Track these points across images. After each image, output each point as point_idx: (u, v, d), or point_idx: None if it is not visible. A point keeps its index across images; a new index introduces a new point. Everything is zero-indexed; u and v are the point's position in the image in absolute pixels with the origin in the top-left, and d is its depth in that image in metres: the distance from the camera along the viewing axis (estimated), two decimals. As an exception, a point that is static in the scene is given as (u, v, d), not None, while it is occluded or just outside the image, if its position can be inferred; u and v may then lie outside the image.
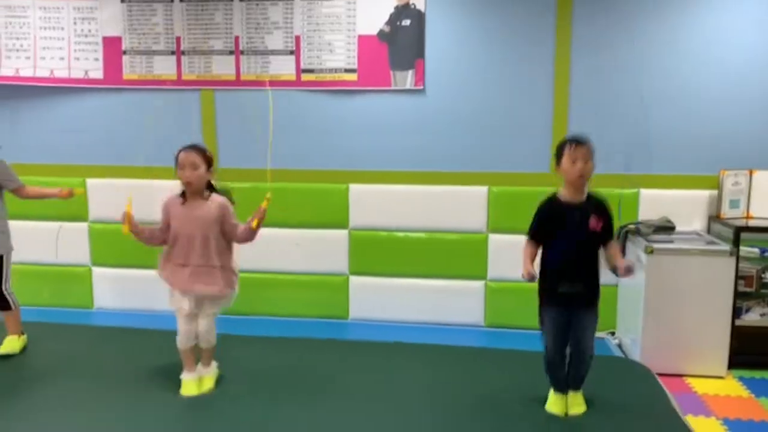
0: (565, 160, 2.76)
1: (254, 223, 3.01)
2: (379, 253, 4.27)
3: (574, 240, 2.80)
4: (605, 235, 2.83)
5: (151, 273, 4.38)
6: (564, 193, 2.83)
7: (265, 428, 2.80)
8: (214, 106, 4.34)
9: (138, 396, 3.08)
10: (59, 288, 4.48)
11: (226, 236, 3.09)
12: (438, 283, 4.24)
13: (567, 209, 2.80)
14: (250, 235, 3.07)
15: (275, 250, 4.27)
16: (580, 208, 2.80)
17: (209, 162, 3.05)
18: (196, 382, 3.12)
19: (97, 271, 4.53)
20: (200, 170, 3.00)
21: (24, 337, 3.64)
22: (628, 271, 2.79)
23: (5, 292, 3.52)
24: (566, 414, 2.88)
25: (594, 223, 2.79)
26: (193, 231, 3.03)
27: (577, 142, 2.76)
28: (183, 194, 3.09)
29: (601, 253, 2.87)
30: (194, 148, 3.05)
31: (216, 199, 3.09)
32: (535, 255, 2.89)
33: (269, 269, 4.32)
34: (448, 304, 4.23)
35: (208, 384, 3.16)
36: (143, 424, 2.83)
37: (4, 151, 3.55)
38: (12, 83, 4.45)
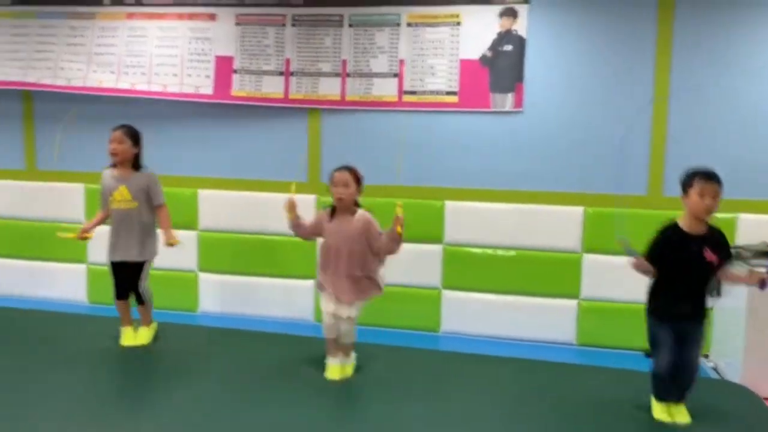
0: (694, 192, 2.88)
1: (398, 228, 3.26)
2: (472, 269, 4.41)
3: (690, 268, 2.95)
4: (721, 266, 2.98)
5: (254, 279, 4.69)
6: (684, 223, 2.96)
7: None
8: (320, 124, 4.60)
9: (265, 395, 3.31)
10: (165, 291, 4.71)
11: (373, 249, 3.41)
12: (530, 300, 4.35)
13: (687, 239, 2.94)
14: (395, 242, 3.34)
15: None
16: (699, 239, 2.94)
17: (358, 181, 3.40)
18: (339, 367, 3.48)
19: (203, 276, 4.80)
20: (351, 188, 3.37)
21: (154, 325, 4.05)
22: (763, 283, 2.92)
23: (141, 290, 3.90)
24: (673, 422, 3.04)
25: (710, 255, 2.93)
26: (340, 244, 3.39)
27: (709, 177, 2.88)
28: (332, 210, 3.45)
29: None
30: (347, 168, 3.41)
31: (362, 215, 3.42)
32: (651, 270, 3.03)
33: (366, 280, 4.50)
34: (540, 321, 4.33)
35: (349, 371, 3.53)
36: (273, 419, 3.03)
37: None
38: (127, 96, 4.75)
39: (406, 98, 4.45)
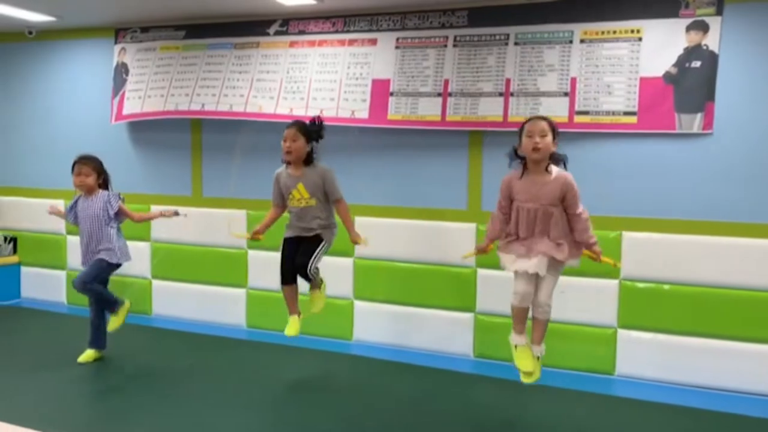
0: None
1: (608, 260, 3.22)
2: (652, 307, 3.99)
3: None
4: None
5: (409, 309, 4.52)
6: None
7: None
8: (482, 147, 4.38)
9: None
10: (322, 318, 4.61)
11: (567, 217, 3.14)
12: (721, 343, 3.86)
13: None
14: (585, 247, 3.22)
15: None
16: None
17: (555, 131, 3.10)
18: (529, 352, 3.22)
19: (358, 304, 4.71)
20: (548, 138, 3.06)
21: (324, 286, 3.98)
22: None
23: (310, 272, 3.76)
24: None
25: None
26: (534, 205, 3.12)
27: None
28: (524, 166, 3.16)
29: None
30: (543, 118, 3.14)
31: (562, 175, 3.10)
32: None
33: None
34: (736, 367, 3.83)
35: (537, 368, 3.21)
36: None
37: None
38: (286, 121, 4.77)
39: (578, 119, 4.12)
